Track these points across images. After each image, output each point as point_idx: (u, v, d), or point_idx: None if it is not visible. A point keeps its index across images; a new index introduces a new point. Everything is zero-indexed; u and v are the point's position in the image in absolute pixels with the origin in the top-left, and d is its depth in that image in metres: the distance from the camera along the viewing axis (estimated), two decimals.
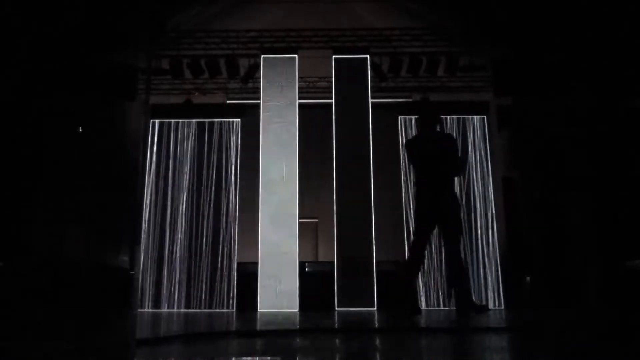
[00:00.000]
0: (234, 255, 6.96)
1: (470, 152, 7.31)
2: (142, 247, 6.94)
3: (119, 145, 7.17)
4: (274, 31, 7.19)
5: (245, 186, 7.16)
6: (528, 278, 6.58)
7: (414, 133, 7.37)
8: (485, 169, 7.29)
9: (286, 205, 6.56)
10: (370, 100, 6.91)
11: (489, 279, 6.94)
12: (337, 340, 1.90)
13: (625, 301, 5.05)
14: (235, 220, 7.08)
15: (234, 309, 6.74)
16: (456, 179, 4.40)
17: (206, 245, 7.01)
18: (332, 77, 7.04)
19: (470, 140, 7.36)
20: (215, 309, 6.79)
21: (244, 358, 1.43)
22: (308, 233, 7.99)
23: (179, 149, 7.33)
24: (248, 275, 6.66)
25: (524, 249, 6.71)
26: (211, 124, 7.43)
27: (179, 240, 7.03)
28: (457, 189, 4.33)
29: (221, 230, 7.05)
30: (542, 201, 6.51)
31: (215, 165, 7.26)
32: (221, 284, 6.86)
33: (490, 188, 7.22)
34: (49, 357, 1.43)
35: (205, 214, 7.11)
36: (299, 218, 6.60)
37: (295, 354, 1.52)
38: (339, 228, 6.53)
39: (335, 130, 6.80)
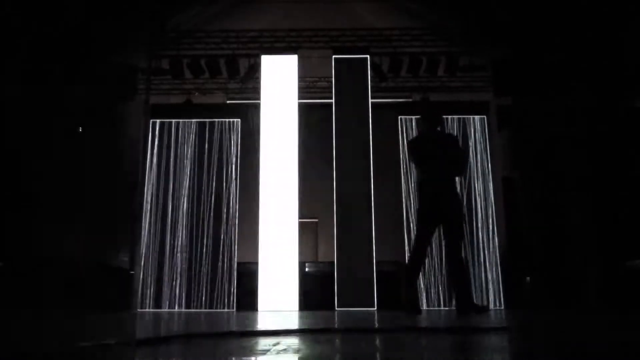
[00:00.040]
0: (234, 256, 6.96)
1: (470, 152, 7.31)
2: (143, 247, 6.94)
3: (119, 145, 7.17)
4: (274, 31, 7.19)
5: (245, 186, 7.16)
6: (528, 278, 6.58)
7: (414, 133, 7.37)
8: (485, 169, 7.29)
9: (286, 205, 6.56)
10: (370, 100, 6.91)
11: (489, 279, 6.94)
12: (337, 340, 1.90)
13: (625, 301, 5.05)
14: (235, 220, 7.08)
15: (234, 309, 6.74)
16: (457, 178, 4.39)
17: (206, 245, 7.02)
18: (332, 77, 7.04)
19: (470, 140, 7.36)
20: (216, 309, 6.79)
21: (244, 358, 1.43)
22: (308, 233, 7.99)
23: (179, 149, 7.33)
24: (248, 275, 6.66)
25: (524, 249, 6.71)
26: (211, 124, 7.43)
27: (179, 240, 7.04)
28: (457, 189, 4.31)
29: (221, 231, 7.05)
30: (542, 201, 6.51)
31: (215, 165, 7.26)
32: (222, 284, 6.87)
33: (490, 188, 7.22)
34: (48, 357, 1.43)
35: (206, 214, 7.12)
36: (299, 218, 6.60)
37: (295, 354, 1.52)
38: (339, 228, 6.53)
39: (335, 130, 6.80)
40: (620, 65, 5.56)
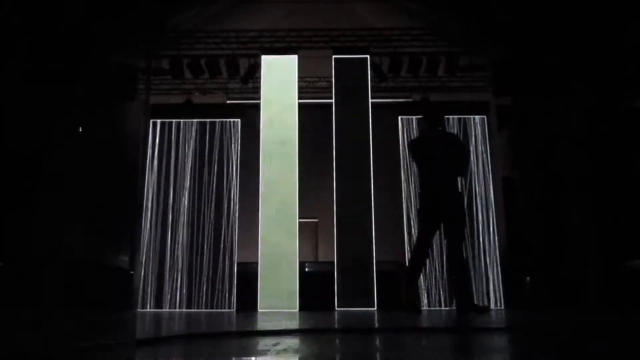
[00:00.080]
0: (234, 256, 6.96)
1: (471, 152, 7.31)
2: (144, 247, 6.94)
3: (119, 145, 7.17)
4: (274, 31, 7.19)
5: (245, 186, 7.16)
6: (528, 278, 6.58)
7: (414, 133, 7.38)
8: (485, 169, 7.29)
9: (286, 205, 6.56)
10: (370, 100, 6.91)
11: (489, 279, 6.94)
12: (337, 340, 1.90)
13: (625, 301, 5.05)
14: (236, 220, 7.08)
15: (234, 309, 6.74)
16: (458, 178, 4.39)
17: (207, 246, 7.02)
18: (332, 77, 7.04)
19: (470, 140, 7.36)
20: (216, 309, 6.79)
21: (244, 358, 1.43)
22: (308, 233, 7.99)
23: (179, 149, 7.33)
24: (248, 275, 6.66)
25: (524, 249, 6.71)
26: (211, 124, 7.43)
27: (179, 241, 7.04)
28: (459, 189, 4.31)
29: (221, 230, 7.05)
30: (542, 201, 6.51)
31: (215, 165, 7.26)
32: (222, 284, 6.87)
33: (491, 188, 7.22)
34: (48, 357, 1.43)
35: (206, 214, 7.12)
36: (299, 218, 6.60)
37: (295, 354, 1.52)
38: (339, 228, 6.53)
39: (335, 130, 6.80)
40: (620, 65, 5.56)
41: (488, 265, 6.97)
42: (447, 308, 6.75)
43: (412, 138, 7.15)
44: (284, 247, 6.46)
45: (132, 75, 7.03)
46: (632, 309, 4.83)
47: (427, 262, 6.61)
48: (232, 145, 7.33)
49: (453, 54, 7.12)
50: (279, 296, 6.33)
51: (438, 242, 6.53)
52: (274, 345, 1.70)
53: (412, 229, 7.05)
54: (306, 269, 6.81)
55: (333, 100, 6.93)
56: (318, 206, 7.63)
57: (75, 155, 6.23)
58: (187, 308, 6.80)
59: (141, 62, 7.19)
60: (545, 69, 6.46)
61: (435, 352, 1.58)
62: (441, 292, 6.89)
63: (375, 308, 6.30)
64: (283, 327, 2.48)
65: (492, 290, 6.90)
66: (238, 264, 6.93)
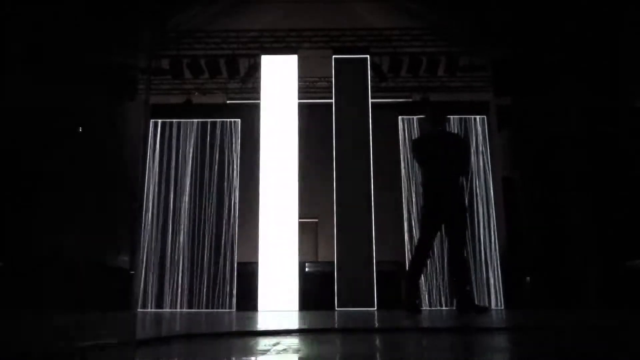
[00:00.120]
0: (234, 256, 6.96)
1: (471, 152, 7.31)
2: (145, 247, 6.94)
3: (119, 145, 7.17)
4: (274, 31, 7.19)
5: (245, 186, 7.16)
6: (528, 278, 6.58)
7: (414, 133, 7.38)
8: (485, 169, 7.29)
9: (286, 205, 6.56)
10: (370, 100, 6.91)
11: (489, 279, 6.94)
12: (337, 340, 1.90)
13: (625, 301, 5.05)
14: (236, 220, 7.08)
15: (234, 309, 6.74)
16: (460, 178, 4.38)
17: (207, 246, 7.02)
18: (332, 77, 7.04)
19: (470, 140, 7.36)
20: (216, 309, 6.79)
21: (243, 358, 1.43)
22: (308, 233, 7.99)
23: (180, 149, 7.34)
24: (248, 275, 6.66)
25: (524, 249, 6.71)
26: (211, 124, 7.43)
27: (180, 241, 7.04)
28: (462, 189, 4.31)
29: (222, 230, 7.05)
30: (542, 201, 6.51)
31: (215, 166, 7.26)
32: (222, 284, 6.87)
33: (491, 188, 7.22)
34: (49, 357, 1.43)
35: (206, 214, 7.12)
36: (299, 218, 6.60)
37: (295, 354, 1.52)
38: (339, 228, 6.53)
39: (335, 130, 6.80)
40: (620, 65, 5.56)
41: (488, 266, 6.97)
42: (448, 308, 6.75)
43: (414, 138, 7.16)
44: (284, 247, 6.46)
45: (132, 75, 7.03)
46: (632, 309, 4.83)
47: (428, 262, 6.61)
48: (232, 145, 7.33)
49: (453, 54, 7.12)
50: (279, 296, 6.33)
51: (439, 242, 6.53)
52: (274, 345, 1.70)
53: (413, 229, 7.05)
54: (306, 269, 6.81)
55: (333, 100, 6.93)
56: (318, 206, 7.63)
57: (75, 155, 6.23)
58: (188, 308, 6.80)
59: (141, 62, 7.19)
60: (545, 69, 6.46)
61: (435, 352, 1.58)
62: (442, 292, 6.89)
63: (375, 308, 6.30)
64: (283, 327, 2.48)
65: (492, 290, 6.90)
66: (238, 264, 6.93)
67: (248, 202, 7.05)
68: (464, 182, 4.50)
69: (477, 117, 7.45)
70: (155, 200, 7.16)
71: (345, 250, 6.47)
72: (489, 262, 6.97)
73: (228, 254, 6.96)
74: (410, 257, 6.77)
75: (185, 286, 6.87)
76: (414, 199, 7.14)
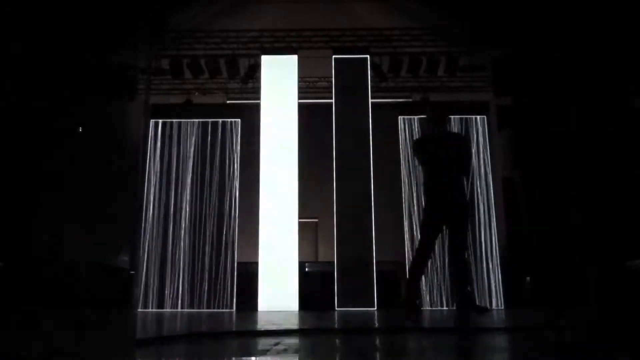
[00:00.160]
0: (234, 256, 6.96)
1: (472, 151, 7.30)
2: (146, 247, 6.94)
3: (119, 145, 7.17)
4: (274, 31, 7.19)
5: (245, 186, 7.16)
6: (528, 278, 6.58)
7: (414, 133, 7.38)
8: (485, 169, 7.29)
9: (286, 205, 6.56)
10: (370, 100, 6.90)
11: (489, 279, 6.94)
12: (337, 340, 1.90)
13: (625, 301, 5.05)
14: (236, 220, 7.08)
15: (234, 309, 6.74)
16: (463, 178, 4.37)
17: (207, 246, 7.01)
18: (332, 77, 7.04)
19: (471, 140, 7.35)
20: (216, 309, 6.79)
21: (244, 358, 1.43)
22: (308, 233, 7.99)
23: (180, 149, 7.33)
24: (248, 275, 6.66)
25: (524, 249, 6.71)
26: (212, 123, 7.43)
27: (181, 241, 7.03)
28: (464, 189, 4.30)
29: (222, 230, 7.05)
30: (542, 201, 6.51)
31: (215, 165, 7.26)
32: (224, 284, 6.86)
33: (491, 188, 7.22)
34: (49, 357, 1.43)
35: (206, 213, 7.11)
36: (299, 218, 6.60)
37: (295, 354, 1.52)
38: (339, 228, 6.52)
39: (335, 130, 6.80)
40: (620, 65, 5.56)
41: (488, 266, 6.96)
42: (448, 308, 6.75)
43: (416, 138, 7.15)
44: (284, 247, 6.46)
45: (132, 75, 7.03)
46: (632, 309, 4.83)
47: (429, 262, 6.61)
48: (232, 145, 7.33)
49: (453, 54, 7.12)
50: (279, 296, 6.32)
51: (440, 243, 6.52)
52: (274, 345, 1.70)
53: (414, 229, 7.05)
54: (306, 269, 6.81)
55: (333, 100, 6.93)
56: (318, 206, 7.63)
57: (75, 155, 6.23)
58: (188, 308, 6.80)
59: (141, 62, 7.19)
60: (545, 69, 6.46)
61: (435, 352, 1.58)
62: (442, 292, 6.89)
63: (375, 308, 6.29)
64: (283, 327, 2.49)
65: (492, 290, 6.90)
66: (238, 263, 6.92)
67: (248, 202, 7.05)
68: (465, 182, 4.50)
69: (477, 117, 7.45)
70: (155, 200, 7.16)
71: (345, 250, 6.47)
72: (489, 262, 6.97)
73: (228, 254, 6.96)
74: (410, 257, 6.77)
75: (186, 286, 6.87)
76: (414, 199, 7.14)
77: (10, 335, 2.15)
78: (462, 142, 4.41)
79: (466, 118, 7.43)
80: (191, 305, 6.81)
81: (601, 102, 5.77)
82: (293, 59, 7.02)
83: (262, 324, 3.12)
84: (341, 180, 6.63)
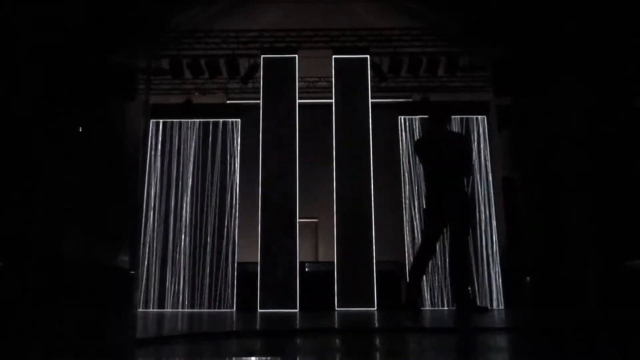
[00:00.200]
0: (235, 255, 6.96)
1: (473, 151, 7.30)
2: (146, 247, 6.94)
3: (119, 145, 7.17)
4: (274, 31, 7.19)
5: (245, 186, 7.16)
6: (528, 278, 6.58)
7: (414, 133, 7.38)
8: (485, 169, 7.29)
9: (286, 205, 6.57)
10: (370, 100, 6.90)
11: (489, 279, 6.94)
12: (337, 340, 1.90)
13: (625, 301, 5.05)
14: (236, 220, 7.08)
15: (234, 309, 6.75)
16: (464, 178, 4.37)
17: (207, 246, 7.02)
18: (332, 77, 7.04)
19: (472, 140, 7.35)
20: (215, 309, 6.79)
21: (244, 358, 1.43)
22: (308, 233, 7.99)
23: (180, 149, 7.34)
24: (248, 275, 6.66)
25: (524, 249, 6.71)
26: (212, 123, 7.43)
27: (181, 241, 7.04)
28: (466, 189, 4.30)
29: (223, 230, 7.05)
30: (542, 201, 6.51)
31: (215, 166, 7.26)
32: (224, 284, 6.87)
33: (491, 188, 7.22)
34: (49, 357, 1.43)
35: (206, 214, 7.12)
36: (299, 218, 6.60)
37: (295, 354, 1.52)
38: (339, 228, 6.53)
39: (335, 130, 6.80)
40: (620, 65, 5.56)
41: (488, 265, 6.97)
42: (448, 308, 6.76)
43: (417, 138, 7.15)
44: (284, 247, 6.46)
45: (132, 75, 7.03)
46: (632, 309, 4.83)
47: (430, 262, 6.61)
48: (233, 145, 7.33)
49: (453, 54, 7.12)
50: (279, 296, 6.33)
51: (440, 242, 6.51)
52: (274, 345, 1.70)
53: (413, 229, 7.05)
54: (306, 269, 6.81)
55: (333, 100, 6.93)
56: (318, 206, 7.63)
57: (75, 156, 6.23)
58: (189, 308, 6.81)
59: (141, 62, 7.19)
60: (545, 69, 6.46)
61: (435, 352, 1.58)
62: (443, 292, 6.89)
63: (375, 308, 6.30)
64: (283, 327, 2.49)
65: (492, 290, 6.90)
66: (238, 264, 6.93)
67: (248, 202, 7.05)
68: (466, 182, 4.48)
69: (477, 117, 7.45)
70: (156, 200, 7.16)
71: (345, 250, 6.47)
72: (489, 262, 6.97)
73: (229, 254, 6.96)
74: (410, 257, 6.77)
75: (186, 286, 6.87)
76: (415, 199, 7.14)
77: (10, 335, 2.15)
78: (463, 141, 4.42)
79: (466, 118, 7.43)
80: (192, 305, 6.81)
81: (601, 102, 5.77)
82: (293, 59, 7.02)
83: (262, 324, 3.12)
84: (341, 180, 6.63)
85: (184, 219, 7.10)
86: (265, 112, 6.86)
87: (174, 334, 2.12)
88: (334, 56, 7.04)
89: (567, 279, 5.93)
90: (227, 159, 7.28)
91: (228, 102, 8.26)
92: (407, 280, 4.28)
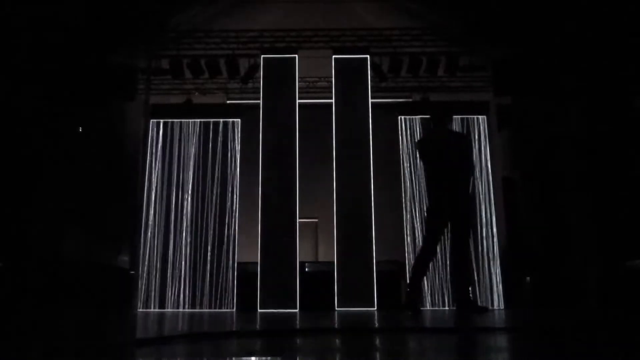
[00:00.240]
0: (235, 256, 6.96)
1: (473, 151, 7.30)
2: (147, 247, 6.94)
3: (119, 145, 7.17)
4: (274, 31, 7.19)
5: (245, 186, 7.16)
6: (528, 278, 6.58)
7: (414, 133, 7.38)
8: (486, 169, 7.29)
9: (286, 205, 6.56)
10: (370, 100, 6.90)
11: (489, 279, 6.94)
12: (337, 340, 1.90)
13: (625, 301, 5.05)
14: (236, 220, 7.08)
15: (234, 309, 6.74)
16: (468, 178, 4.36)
17: (207, 246, 7.01)
18: (332, 77, 7.04)
19: (472, 139, 7.35)
20: (215, 309, 6.79)
21: (244, 358, 1.43)
22: (308, 233, 7.99)
23: (181, 149, 7.33)
24: (248, 275, 6.66)
25: (524, 249, 6.71)
26: (212, 124, 7.43)
27: (182, 241, 7.04)
28: (468, 189, 4.29)
29: (222, 230, 7.05)
30: (542, 201, 6.51)
31: (216, 165, 7.26)
32: (225, 284, 6.86)
33: (491, 188, 7.21)
34: (49, 357, 1.43)
35: (207, 214, 7.11)
36: (299, 218, 6.60)
37: (295, 354, 1.52)
38: (339, 228, 6.52)
39: (335, 130, 6.80)
40: (620, 65, 5.56)
41: (488, 265, 6.97)
42: (448, 308, 6.75)
43: (419, 138, 7.16)
44: (284, 247, 6.46)
45: (132, 75, 7.03)
46: (632, 309, 4.83)
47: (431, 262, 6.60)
48: (232, 145, 7.33)
49: (453, 54, 7.12)
50: (279, 296, 6.32)
51: (441, 242, 6.51)
52: (274, 345, 1.70)
53: (414, 229, 7.05)
54: (306, 269, 6.81)
55: (333, 100, 6.93)
56: (318, 206, 7.63)
57: (75, 156, 6.23)
58: (190, 308, 6.81)
59: (141, 62, 7.19)
60: (545, 69, 6.46)
61: (435, 352, 1.58)
62: (444, 292, 6.89)
63: (375, 308, 6.30)
64: (283, 327, 2.49)
65: (492, 290, 6.90)
66: (238, 264, 6.92)
67: (248, 202, 7.05)
68: (468, 181, 4.47)
69: (477, 117, 7.45)
70: (156, 200, 7.16)
71: (345, 250, 6.47)
72: (489, 262, 6.97)
73: (229, 254, 6.96)
74: (410, 257, 6.77)
75: (187, 286, 6.87)
76: (416, 199, 7.14)
77: (10, 335, 2.15)
78: (464, 141, 4.42)
79: (466, 118, 7.43)
80: (192, 305, 6.81)
81: (601, 102, 5.77)
82: (293, 59, 7.02)
83: (262, 324, 3.12)
84: (341, 180, 6.63)
85: (184, 219, 7.10)
86: (265, 112, 6.86)
87: (174, 334, 2.12)
88: (334, 56, 7.04)
89: (567, 279, 5.93)
90: (227, 159, 7.28)
91: (228, 102, 8.26)
92: (408, 280, 4.28)
